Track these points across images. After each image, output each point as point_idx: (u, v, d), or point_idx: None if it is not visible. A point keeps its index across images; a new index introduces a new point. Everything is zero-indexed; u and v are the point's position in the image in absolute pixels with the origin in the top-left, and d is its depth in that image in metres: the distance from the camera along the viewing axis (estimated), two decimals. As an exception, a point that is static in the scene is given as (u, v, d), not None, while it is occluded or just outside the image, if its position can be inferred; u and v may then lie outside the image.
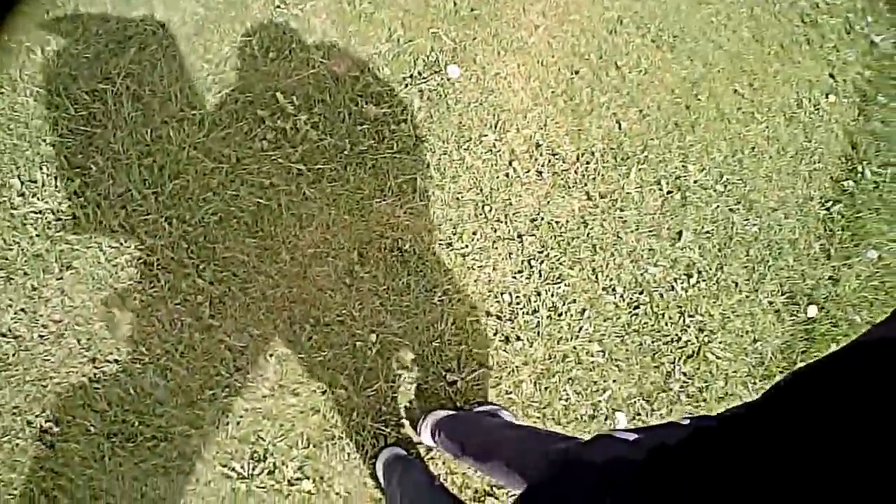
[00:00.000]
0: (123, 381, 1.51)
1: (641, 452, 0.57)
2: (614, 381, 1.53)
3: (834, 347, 1.80)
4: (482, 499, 1.47)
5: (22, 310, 1.54)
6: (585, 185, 1.60)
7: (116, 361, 1.53)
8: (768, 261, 1.69)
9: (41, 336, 1.55)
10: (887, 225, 1.91)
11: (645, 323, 1.56)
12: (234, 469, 1.47)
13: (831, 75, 1.94)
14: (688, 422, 0.63)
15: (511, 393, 1.49)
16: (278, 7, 1.67)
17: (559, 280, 1.55)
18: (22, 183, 1.60)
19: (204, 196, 1.55)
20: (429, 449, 1.47)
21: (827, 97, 1.91)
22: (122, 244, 1.57)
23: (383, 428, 1.47)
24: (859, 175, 1.91)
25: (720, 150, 1.72)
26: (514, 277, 1.54)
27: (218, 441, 1.48)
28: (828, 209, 1.82)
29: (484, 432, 1.20)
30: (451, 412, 1.40)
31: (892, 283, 1.87)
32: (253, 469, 1.47)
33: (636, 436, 0.65)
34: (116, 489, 1.50)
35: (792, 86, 1.85)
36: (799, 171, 1.80)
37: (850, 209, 1.86)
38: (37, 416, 1.51)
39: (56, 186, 1.61)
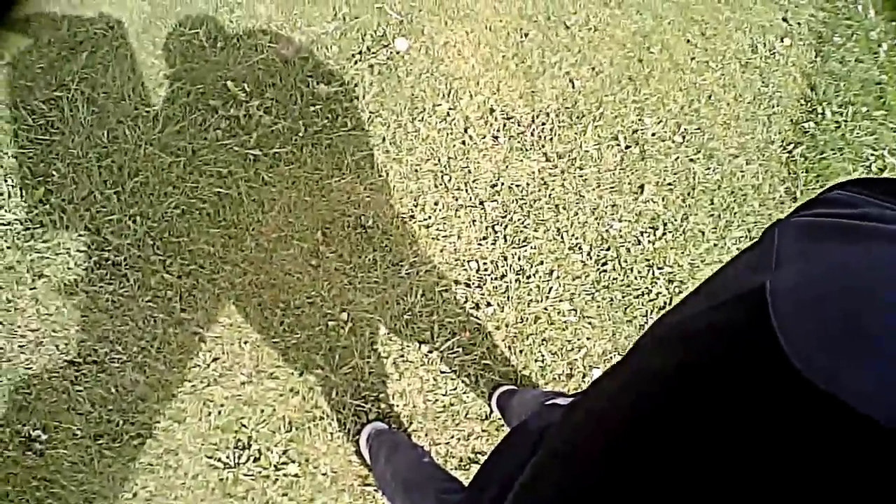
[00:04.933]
0: (104, 382, 1.47)
1: None
2: (588, 338, 1.48)
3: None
4: (467, 466, 1.42)
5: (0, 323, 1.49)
6: (543, 146, 1.54)
7: (95, 362, 1.48)
8: (733, 207, 1.64)
9: (21, 346, 1.50)
10: (852, 164, 1.86)
11: (614, 278, 1.51)
12: (219, 459, 1.43)
13: (784, 19, 1.87)
14: None
15: (486, 359, 1.44)
16: (223, -3, 1.61)
17: (525, 243, 1.49)
18: (-13, 197, 1.55)
19: (164, 191, 1.50)
20: (410, 420, 1.42)
21: (782, 41, 1.84)
22: (89, 247, 1.52)
23: (363, 404, 1.42)
24: (820, 116, 1.84)
25: (676, 101, 1.65)
26: (480, 244, 1.48)
27: (202, 433, 1.44)
28: (790, 152, 1.76)
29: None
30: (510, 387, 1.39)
31: (861, 222, 1.82)
32: (238, 457, 1.42)
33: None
34: (108, 491, 1.46)
35: (745, 32, 1.78)
36: (758, 116, 1.73)
37: (812, 150, 1.80)
38: (24, 426, 1.47)
39: (22, 196, 1.56)
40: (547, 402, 0.72)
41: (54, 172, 1.56)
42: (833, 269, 0.27)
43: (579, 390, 1.47)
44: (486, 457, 0.64)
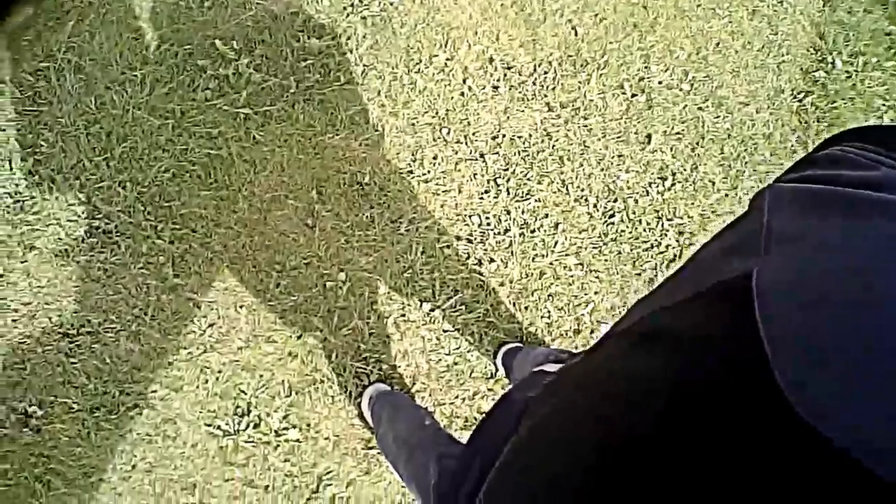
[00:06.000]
0: (99, 352, 1.41)
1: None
2: (595, 292, 1.40)
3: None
4: (472, 426, 1.35)
5: (-9, 297, 1.43)
6: (545, 95, 1.45)
7: (89, 333, 1.42)
8: (744, 157, 1.55)
9: (14, 321, 1.44)
10: (863, 114, 1.76)
11: (622, 231, 1.43)
12: (219, 427, 1.36)
13: (791, -34, 1.77)
14: None
15: (490, 316, 1.36)
16: (210, -46, 1.53)
17: (528, 196, 1.41)
18: (-24, 171, 1.49)
19: (154, 155, 1.43)
20: (413, 381, 1.35)
21: (789, -12, 1.74)
22: (79, 216, 1.46)
23: (364, 366, 1.35)
24: (830, 65, 1.75)
25: (683, 49, 1.56)
26: (481, 198, 1.40)
27: (199, 401, 1.37)
28: (800, 101, 1.67)
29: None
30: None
31: (874, 176, 1.72)
32: (238, 424, 1.36)
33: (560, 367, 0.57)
34: (107, 464, 1.40)
35: (751, -22, 1.69)
36: (767, 64, 1.64)
37: (823, 100, 1.71)
38: (20, 402, 1.42)
39: (11, 169, 1.50)
40: (535, 369, 0.66)
41: (43, 143, 1.50)
42: (836, 259, 0.21)
43: (583, 349, 1.39)
44: (477, 423, 0.60)
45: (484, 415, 0.60)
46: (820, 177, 0.26)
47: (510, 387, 0.63)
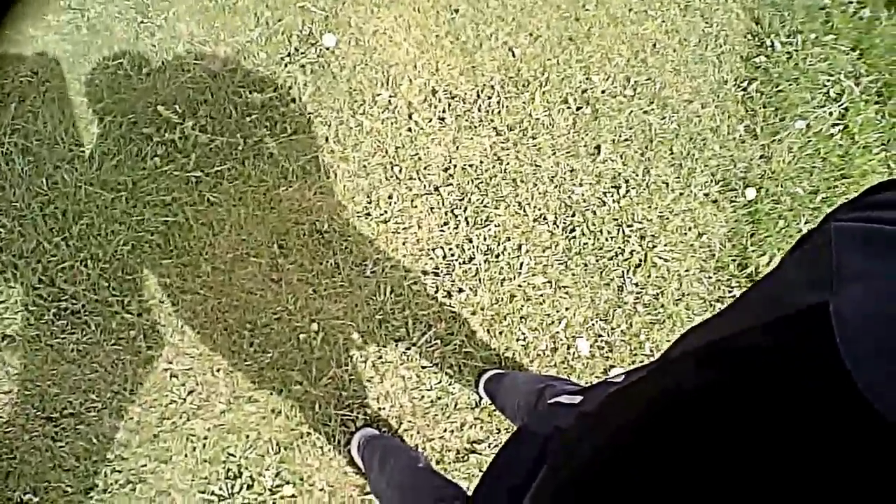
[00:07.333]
0: (84, 433, 1.38)
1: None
2: (567, 308, 1.39)
3: (781, 225, 1.67)
4: (465, 458, 1.34)
5: (-32, 390, 1.39)
6: (491, 120, 1.44)
7: (72, 415, 1.39)
8: (694, 154, 1.54)
9: (-5, 411, 1.40)
10: (809, 93, 1.76)
11: (585, 244, 1.42)
12: (213, 492, 1.34)
13: (718, -44, 1.77)
14: (622, 378, 0.56)
15: (466, 346, 1.35)
16: (141, 23, 1.49)
17: (487, 222, 1.39)
18: (-64, 266, 1.44)
19: (111, 229, 1.39)
20: (399, 421, 1.33)
21: (718, -22, 1.74)
22: (46, 299, 1.42)
23: (348, 413, 1.33)
24: (769, 49, 1.75)
25: (621, 55, 1.55)
26: (442, 230, 1.38)
27: (190, 469, 1.35)
28: (745, 89, 1.67)
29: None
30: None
31: (826, 149, 1.73)
32: (231, 487, 1.33)
33: (581, 398, 0.58)
34: (107, 542, 1.36)
35: (680, -26, 1.68)
36: (706, 57, 1.64)
37: (767, 85, 1.71)
38: (14, 491, 1.38)
39: (-29, 260, 1.45)
40: (550, 401, 0.64)
41: (0, 229, 1.46)
42: None
43: (563, 369, 1.38)
44: (487, 465, 0.59)
45: (496, 454, 0.60)
46: (883, 218, 0.28)
47: (522, 423, 0.63)
